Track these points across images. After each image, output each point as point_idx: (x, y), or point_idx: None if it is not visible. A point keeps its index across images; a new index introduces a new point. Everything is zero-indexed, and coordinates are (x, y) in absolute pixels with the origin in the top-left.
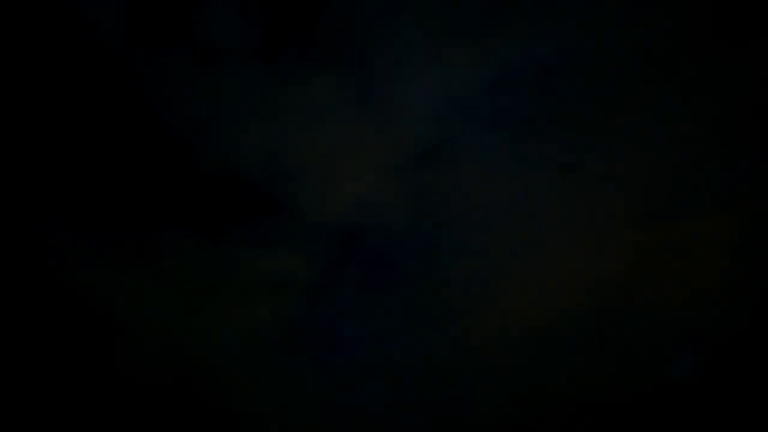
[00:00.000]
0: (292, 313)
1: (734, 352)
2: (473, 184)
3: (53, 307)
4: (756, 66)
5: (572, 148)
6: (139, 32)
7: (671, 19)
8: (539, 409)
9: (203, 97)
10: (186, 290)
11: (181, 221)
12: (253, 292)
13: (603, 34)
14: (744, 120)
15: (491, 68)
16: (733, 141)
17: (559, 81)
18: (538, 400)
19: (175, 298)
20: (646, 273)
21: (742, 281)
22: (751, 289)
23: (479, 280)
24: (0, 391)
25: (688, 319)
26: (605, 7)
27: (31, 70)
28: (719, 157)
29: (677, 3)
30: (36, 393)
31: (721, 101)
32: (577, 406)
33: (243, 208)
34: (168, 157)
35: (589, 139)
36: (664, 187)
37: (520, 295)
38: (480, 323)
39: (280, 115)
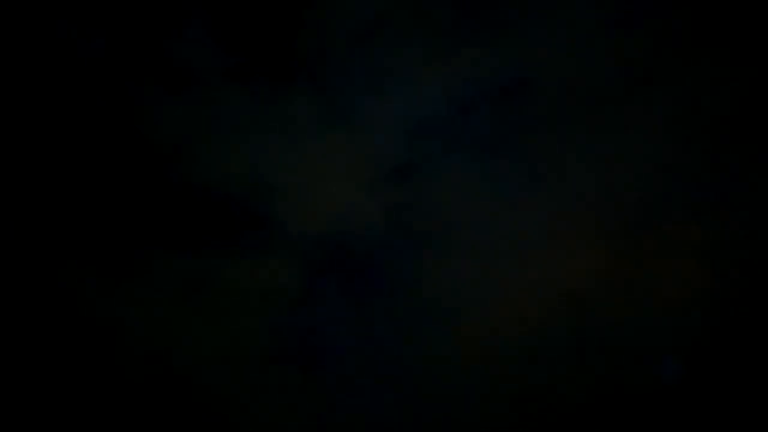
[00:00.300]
0: (280, 322)
1: (719, 357)
2: (449, 196)
3: (43, 318)
4: (727, 74)
5: (544, 162)
6: (118, 54)
7: (639, 36)
8: (530, 412)
9: (184, 116)
10: (174, 302)
11: (168, 235)
12: (240, 302)
13: (571, 53)
14: (722, 129)
15: (462, 88)
16: (709, 151)
17: (530, 98)
18: (528, 402)
19: (163, 310)
20: (628, 281)
21: (731, 283)
22: (737, 294)
23: (465, 284)
24: None
25: (673, 324)
26: (574, 27)
27: (10, 91)
28: (696, 166)
29: (646, 24)
30: (30, 394)
31: (701, 109)
32: (569, 409)
33: (228, 222)
34: (153, 174)
35: (561, 153)
36: (643, 196)
37: (504, 301)
38: (468, 326)
39: (260, 133)
